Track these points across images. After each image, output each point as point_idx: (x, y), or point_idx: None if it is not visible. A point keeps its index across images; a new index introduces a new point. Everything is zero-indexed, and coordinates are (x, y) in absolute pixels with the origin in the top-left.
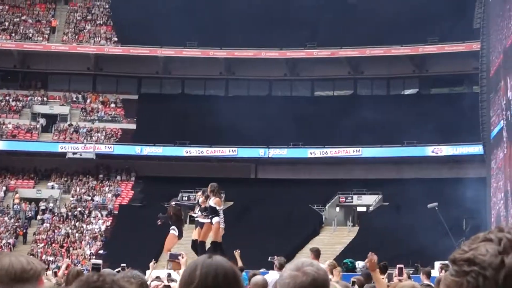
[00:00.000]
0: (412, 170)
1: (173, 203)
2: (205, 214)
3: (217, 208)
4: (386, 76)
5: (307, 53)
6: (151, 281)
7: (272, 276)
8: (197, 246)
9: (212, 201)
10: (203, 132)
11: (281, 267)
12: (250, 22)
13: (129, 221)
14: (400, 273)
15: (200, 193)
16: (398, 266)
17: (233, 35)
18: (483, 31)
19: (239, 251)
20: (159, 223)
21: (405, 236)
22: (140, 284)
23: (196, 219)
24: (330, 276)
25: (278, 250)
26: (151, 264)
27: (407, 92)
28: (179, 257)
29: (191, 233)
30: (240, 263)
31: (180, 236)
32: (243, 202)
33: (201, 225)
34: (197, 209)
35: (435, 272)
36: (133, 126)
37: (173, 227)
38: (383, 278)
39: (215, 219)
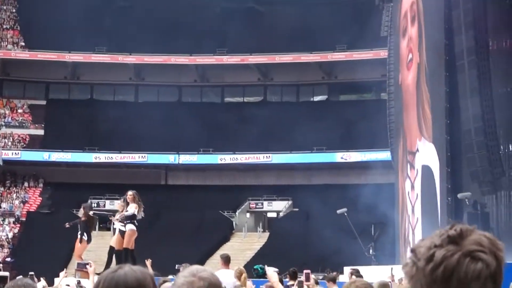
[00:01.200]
0: (321, 176)
1: (91, 212)
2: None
3: (136, 213)
4: (295, 82)
5: (217, 59)
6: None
7: None
8: (117, 254)
9: (132, 207)
10: (113, 138)
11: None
12: (160, 28)
13: (37, 228)
14: (307, 279)
15: (121, 200)
16: (305, 271)
17: (143, 40)
18: (390, 39)
19: (150, 260)
20: (67, 226)
21: (315, 242)
22: None
23: (114, 227)
24: (238, 283)
25: (188, 256)
26: (61, 273)
27: (316, 98)
28: (87, 266)
29: (103, 239)
30: (151, 271)
31: (89, 241)
32: (154, 208)
33: (122, 232)
34: (117, 216)
35: (344, 278)
36: (41, 132)
37: (81, 232)
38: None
39: (129, 226)
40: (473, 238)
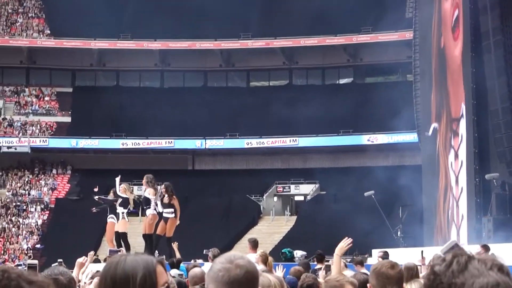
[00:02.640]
0: (348, 158)
1: (95, 197)
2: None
3: (150, 198)
4: (320, 65)
5: (242, 43)
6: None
7: (208, 268)
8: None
9: (147, 192)
10: (139, 124)
11: (215, 259)
12: (184, 13)
13: (66, 214)
14: None
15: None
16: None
17: (168, 26)
18: (416, 20)
19: (177, 243)
20: (94, 211)
21: (343, 225)
22: (68, 280)
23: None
24: (262, 267)
25: (216, 241)
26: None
27: (342, 81)
28: (119, 254)
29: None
30: (178, 255)
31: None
32: (181, 193)
33: (165, 219)
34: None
35: (373, 260)
36: (68, 119)
37: (111, 215)
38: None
39: (149, 211)
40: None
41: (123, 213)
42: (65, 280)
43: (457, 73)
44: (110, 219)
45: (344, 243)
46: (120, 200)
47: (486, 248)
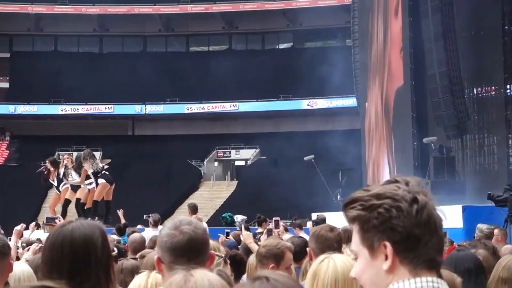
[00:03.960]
0: (288, 123)
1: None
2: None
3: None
4: (260, 30)
5: (181, 8)
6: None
7: (147, 233)
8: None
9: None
10: (78, 90)
11: (155, 224)
12: None
13: (4, 181)
14: (276, 226)
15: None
16: (274, 218)
17: None
18: None
19: (122, 210)
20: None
21: (283, 190)
22: (1, 246)
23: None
24: None
25: (157, 206)
26: (31, 225)
27: (282, 46)
28: (56, 221)
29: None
30: (123, 221)
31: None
32: (121, 159)
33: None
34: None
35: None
36: (6, 85)
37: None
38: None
39: (100, 180)
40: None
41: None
42: None
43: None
44: (66, 185)
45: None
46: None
47: None
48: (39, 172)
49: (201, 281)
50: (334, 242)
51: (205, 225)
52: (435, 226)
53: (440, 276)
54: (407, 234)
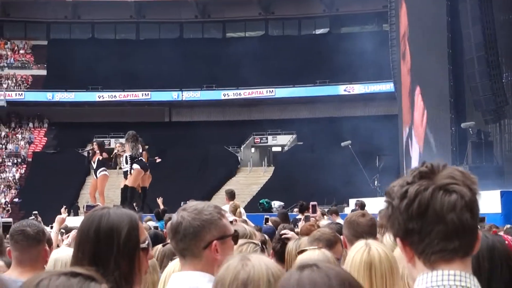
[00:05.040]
0: (325, 109)
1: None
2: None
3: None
4: (297, 16)
5: None
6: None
7: None
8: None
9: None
10: (116, 77)
11: None
12: None
13: (43, 168)
14: (314, 211)
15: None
16: (311, 204)
17: None
18: None
19: (162, 198)
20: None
21: (320, 175)
22: (35, 232)
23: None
24: (233, 217)
25: (195, 192)
26: (62, 211)
27: (318, 31)
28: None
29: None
30: (162, 207)
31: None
32: (158, 146)
33: (125, 174)
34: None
35: (350, 210)
36: (43, 72)
37: (103, 168)
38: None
39: (134, 166)
40: (445, 172)
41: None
42: (32, 231)
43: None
44: (103, 172)
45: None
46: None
47: None
48: (86, 152)
49: (259, 265)
50: (366, 227)
51: (242, 211)
52: (435, 214)
53: (465, 265)
54: (405, 229)
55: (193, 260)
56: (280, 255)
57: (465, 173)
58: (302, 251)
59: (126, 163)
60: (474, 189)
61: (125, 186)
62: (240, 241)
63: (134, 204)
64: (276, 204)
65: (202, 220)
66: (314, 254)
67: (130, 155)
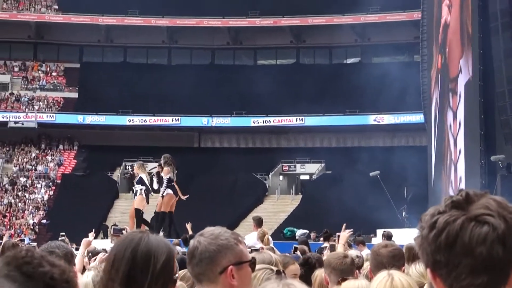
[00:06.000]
0: (354, 138)
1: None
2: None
3: (164, 177)
4: (328, 45)
5: (250, 21)
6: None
7: None
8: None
9: (163, 172)
10: (146, 101)
11: None
12: None
13: (72, 190)
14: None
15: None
16: (337, 234)
17: (175, 3)
18: (424, 0)
19: (191, 223)
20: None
21: (348, 205)
22: (64, 254)
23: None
24: (260, 245)
25: (222, 219)
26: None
27: (349, 61)
28: (123, 232)
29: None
30: (191, 233)
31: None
32: (187, 171)
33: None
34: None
35: (377, 240)
36: (75, 95)
37: (141, 187)
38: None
39: (167, 191)
40: (480, 202)
41: (140, 189)
42: (61, 253)
43: (454, 31)
44: (141, 193)
45: (346, 232)
46: (137, 177)
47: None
48: (128, 173)
49: None
50: (387, 258)
51: (270, 238)
52: (463, 247)
53: None
54: (433, 260)
55: (209, 285)
56: (305, 280)
57: (503, 202)
58: (344, 279)
59: (160, 184)
60: (511, 220)
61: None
62: (257, 266)
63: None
64: (299, 232)
65: (218, 245)
66: (360, 284)
67: (168, 178)
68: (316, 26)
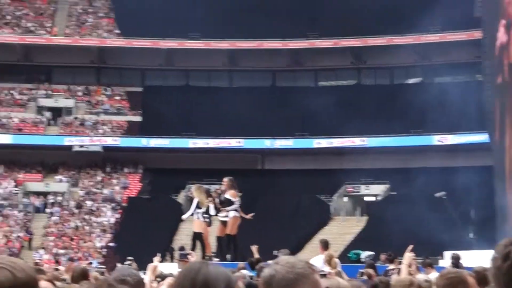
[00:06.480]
0: (418, 159)
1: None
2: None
3: (232, 200)
4: (389, 65)
5: (310, 43)
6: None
7: None
8: (219, 240)
9: (228, 194)
10: (209, 124)
11: None
12: (252, 13)
13: (137, 213)
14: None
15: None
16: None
17: (236, 26)
18: (484, 19)
19: (257, 246)
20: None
21: (414, 226)
22: (136, 282)
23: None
24: (328, 268)
25: (286, 241)
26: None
27: (411, 81)
28: (188, 257)
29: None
30: (257, 256)
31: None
32: (250, 193)
33: (223, 222)
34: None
35: (445, 262)
36: (138, 119)
37: (198, 211)
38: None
39: (231, 213)
40: None
41: (197, 213)
42: (132, 281)
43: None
44: (205, 218)
45: (411, 253)
46: (194, 201)
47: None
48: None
49: None
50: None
51: (337, 261)
52: None
53: None
54: None
55: None
56: None
57: None
58: None
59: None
60: None
61: (200, 233)
62: None
63: (228, 255)
64: (365, 254)
65: (296, 273)
66: None
67: (235, 200)
68: (377, 46)
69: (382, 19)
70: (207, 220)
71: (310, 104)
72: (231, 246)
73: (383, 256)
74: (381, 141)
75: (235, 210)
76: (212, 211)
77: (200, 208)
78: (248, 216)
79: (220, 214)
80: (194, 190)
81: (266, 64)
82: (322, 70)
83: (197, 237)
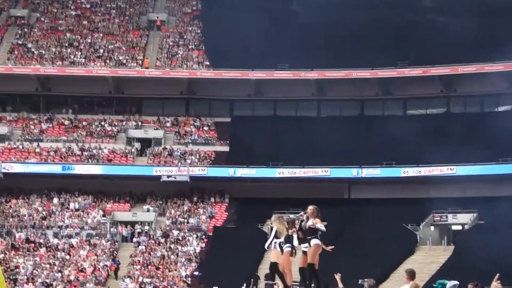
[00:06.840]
0: (508, 187)
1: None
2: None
3: (316, 227)
4: (479, 93)
5: (399, 72)
6: None
7: None
8: (302, 271)
9: (311, 221)
10: (296, 153)
11: None
12: (340, 43)
13: (223, 242)
14: None
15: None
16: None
17: (324, 56)
18: None
19: (340, 274)
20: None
21: (503, 256)
22: None
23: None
24: None
25: (371, 270)
26: None
27: (501, 108)
28: (275, 286)
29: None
30: (340, 285)
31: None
32: (337, 222)
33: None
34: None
35: None
36: (226, 149)
37: (288, 244)
38: None
39: (314, 241)
40: None
41: (275, 243)
42: None
43: None
44: (288, 248)
45: (497, 282)
46: (273, 231)
47: None
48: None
49: None
50: None
51: None
52: None
53: None
54: None
55: None
56: None
57: None
58: None
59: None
60: None
61: (276, 263)
62: None
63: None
64: (451, 284)
65: None
66: None
67: (319, 228)
68: (467, 74)
69: (472, 47)
70: (289, 249)
71: (398, 133)
72: (313, 276)
73: (470, 286)
74: (469, 169)
75: (317, 238)
76: (295, 242)
77: (278, 237)
78: (328, 248)
79: (303, 245)
80: (274, 220)
81: (354, 94)
82: (411, 99)
83: (273, 267)
